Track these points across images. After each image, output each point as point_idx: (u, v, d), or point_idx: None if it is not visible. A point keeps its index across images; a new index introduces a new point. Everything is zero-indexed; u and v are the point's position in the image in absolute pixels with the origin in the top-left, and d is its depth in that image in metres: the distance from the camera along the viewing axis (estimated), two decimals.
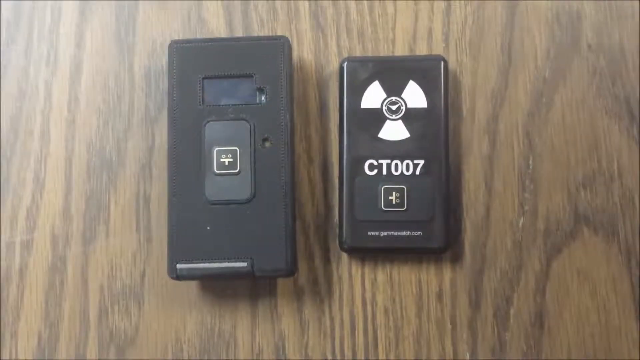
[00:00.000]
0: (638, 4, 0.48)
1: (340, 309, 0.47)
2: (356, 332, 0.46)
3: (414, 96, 0.46)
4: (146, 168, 0.48)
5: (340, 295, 0.47)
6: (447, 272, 0.46)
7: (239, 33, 0.49)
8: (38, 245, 0.48)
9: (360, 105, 0.46)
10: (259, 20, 0.49)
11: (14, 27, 0.50)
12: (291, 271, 0.45)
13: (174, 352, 0.47)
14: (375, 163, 0.46)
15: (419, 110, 0.46)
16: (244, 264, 0.44)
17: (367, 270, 0.47)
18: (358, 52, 0.49)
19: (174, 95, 0.46)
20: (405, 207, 0.45)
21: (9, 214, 0.48)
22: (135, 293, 0.47)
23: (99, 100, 0.49)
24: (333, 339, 0.46)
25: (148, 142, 0.48)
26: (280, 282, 0.47)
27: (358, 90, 0.46)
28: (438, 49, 0.48)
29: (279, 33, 0.49)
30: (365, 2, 0.49)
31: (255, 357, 0.46)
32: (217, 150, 0.45)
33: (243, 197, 0.45)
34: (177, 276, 0.44)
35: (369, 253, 0.47)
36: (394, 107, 0.46)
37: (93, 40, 0.50)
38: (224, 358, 0.47)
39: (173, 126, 0.46)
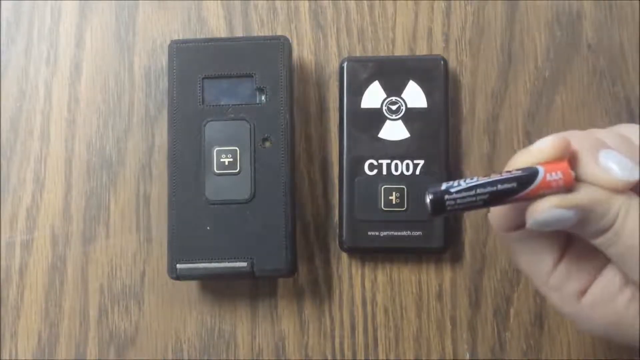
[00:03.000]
0: (638, 4, 0.48)
1: (340, 309, 0.47)
2: (356, 332, 0.46)
3: (414, 96, 0.46)
4: (146, 168, 0.48)
5: (340, 295, 0.47)
6: (447, 272, 0.46)
7: (239, 33, 0.49)
8: (38, 245, 0.48)
9: (360, 105, 0.46)
10: (259, 20, 0.49)
11: (14, 27, 0.50)
12: (291, 271, 0.45)
13: (174, 352, 0.47)
14: (375, 163, 0.46)
15: (419, 110, 0.46)
16: (244, 264, 0.44)
17: (367, 270, 0.47)
18: (358, 52, 0.48)
19: (174, 95, 0.46)
20: (405, 207, 0.45)
21: (9, 214, 0.48)
22: (135, 293, 0.47)
23: (99, 100, 0.49)
24: (333, 339, 0.46)
25: (148, 142, 0.48)
26: (280, 282, 0.47)
27: (358, 90, 0.46)
28: (438, 49, 0.48)
29: (279, 33, 0.49)
30: (365, 2, 0.49)
31: (255, 357, 0.46)
32: (217, 150, 0.45)
33: (243, 197, 0.45)
34: (177, 276, 0.44)
35: (369, 253, 0.47)
36: (394, 107, 0.46)
37: (93, 40, 0.50)
38: (224, 358, 0.47)
39: (173, 126, 0.46)
